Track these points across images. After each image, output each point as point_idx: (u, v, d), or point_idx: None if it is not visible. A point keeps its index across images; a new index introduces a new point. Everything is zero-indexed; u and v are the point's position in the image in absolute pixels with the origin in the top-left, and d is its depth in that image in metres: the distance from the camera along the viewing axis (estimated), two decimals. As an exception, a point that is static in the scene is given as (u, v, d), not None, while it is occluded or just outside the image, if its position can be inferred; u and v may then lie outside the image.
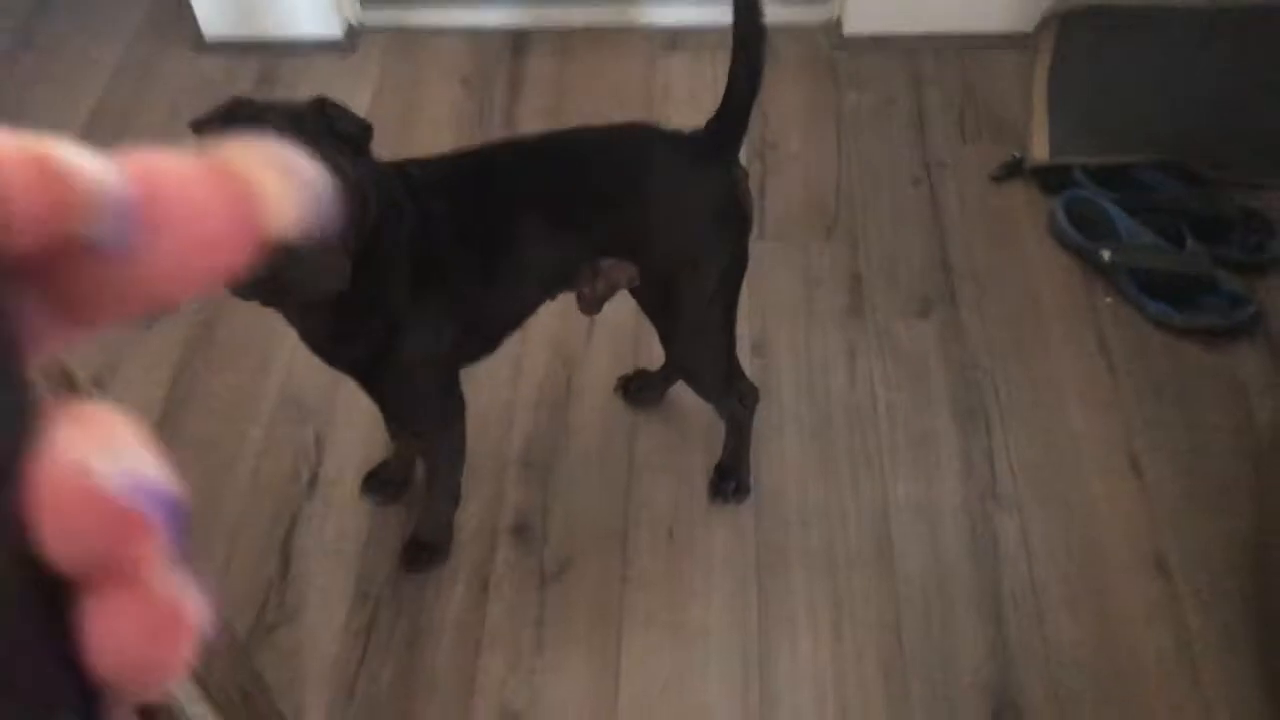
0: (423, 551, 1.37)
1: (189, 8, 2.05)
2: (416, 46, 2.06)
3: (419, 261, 1.13)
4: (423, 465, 1.41)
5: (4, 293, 0.19)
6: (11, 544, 0.18)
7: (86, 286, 0.20)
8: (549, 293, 1.25)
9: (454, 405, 1.27)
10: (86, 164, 0.19)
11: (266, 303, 1.10)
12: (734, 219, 1.18)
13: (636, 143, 1.20)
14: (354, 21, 2.09)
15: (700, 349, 1.27)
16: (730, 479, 1.41)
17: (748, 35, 1.10)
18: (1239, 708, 1.22)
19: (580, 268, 1.21)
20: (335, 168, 1.01)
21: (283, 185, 0.21)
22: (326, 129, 1.02)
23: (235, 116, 1.01)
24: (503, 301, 1.22)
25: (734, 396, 1.35)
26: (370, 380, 1.22)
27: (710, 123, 1.16)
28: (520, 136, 1.27)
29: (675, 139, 1.18)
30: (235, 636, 1.07)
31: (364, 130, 1.06)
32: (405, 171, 1.15)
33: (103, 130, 1.95)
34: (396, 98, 1.98)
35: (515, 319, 1.27)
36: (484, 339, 1.26)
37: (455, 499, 1.37)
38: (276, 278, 0.99)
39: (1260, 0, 1.54)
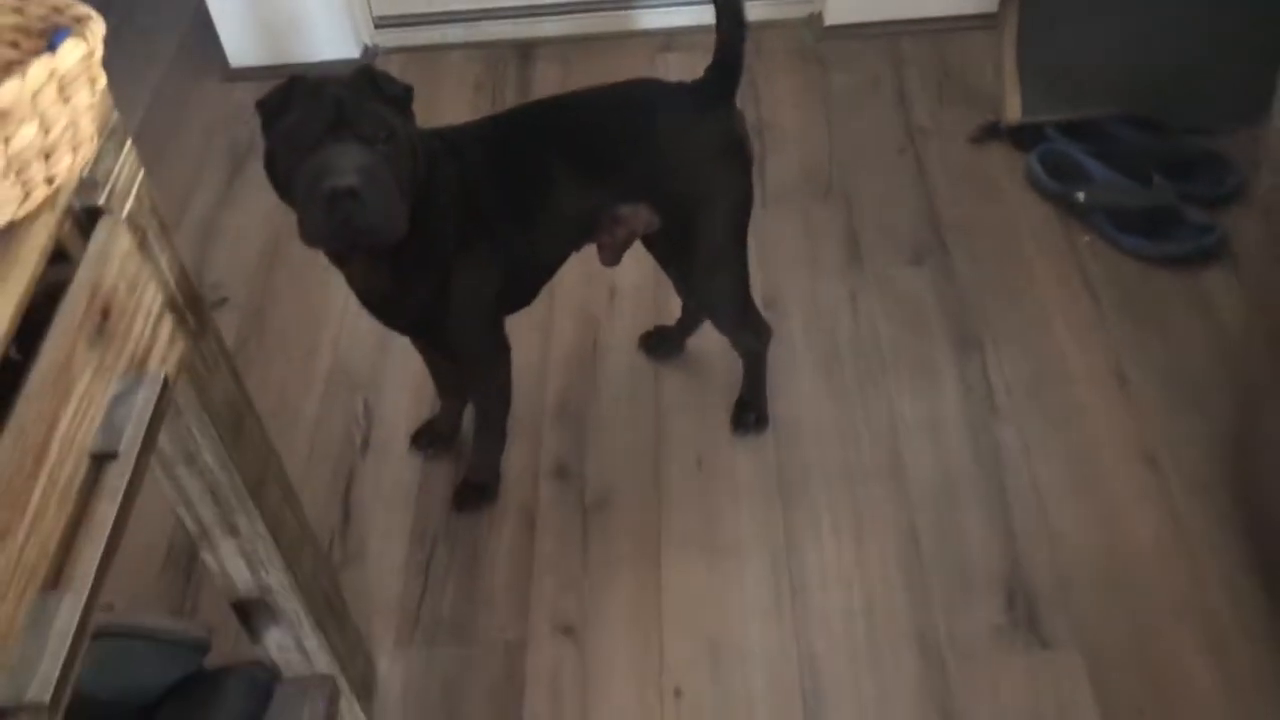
0: (473, 492, 1.49)
1: (217, 39, 2.21)
2: (430, 62, 2.22)
3: (464, 213, 1.27)
4: (470, 416, 1.53)
5: None
6: None
7: None
8: (577, 242, 1.38)
9: (501, 346, 1.40)
10: None
11: (336, 251, 1.23)
12: (738, 155, 1.32)
13: (645, 94, 1.35)
14: (370, 43, 2.25)
15: (718, 281, 1.40)
16: (750, 411, 1.53)
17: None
18: (1227, 578, 1.33)
19: (603, 215, 1.34)
20: (387, 124, 1.15)
21: None
22: (375, 91, 1.16)
23: (294, 91, 1.15)
24: (537, 248, 1.36)
25: (751, 330, 1.48)
26: (427, 327, 1.35)
27: (707, 71, 1.31)
28: (539, 100, 1.41)
29: (679, 88, 1.33)
30: (318, 548, 1.18)
31: (406, 91, 1.20)
32: (443, 135, 1.29)
33: (142, 155, 2.09)
34: (416, 108, 2.13)
35: (548, 266, 1.40)
36: (522, 287, 1.39)
37: (502, 440, 1.49)
38: (346, 224, 1.13)
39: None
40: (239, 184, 2.02)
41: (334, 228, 1.13)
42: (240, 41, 2.21)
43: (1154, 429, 1.49)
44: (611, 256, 1.40)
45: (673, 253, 1.40)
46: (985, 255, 1.73)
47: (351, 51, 2.21)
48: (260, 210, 1.95)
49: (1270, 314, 1.19)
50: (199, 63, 2.27)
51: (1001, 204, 1.81)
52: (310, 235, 1.15)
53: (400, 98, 1.19)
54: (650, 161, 1.31)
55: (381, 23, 2.24)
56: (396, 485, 1.54)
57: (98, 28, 0.66)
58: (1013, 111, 1.87)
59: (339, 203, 1.10)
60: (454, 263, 1.28)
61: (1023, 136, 1.86)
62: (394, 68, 2.21)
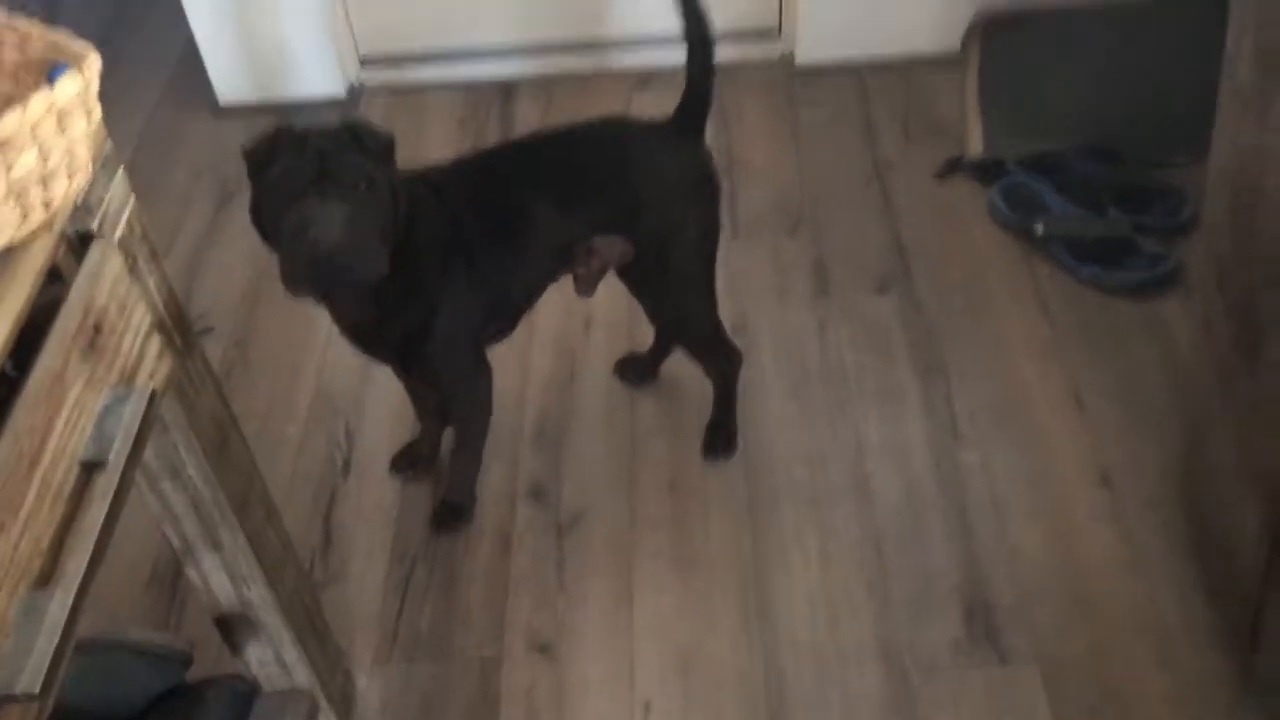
0: (450, 512, 1.53)
1: (205, 77, 2.27)
2: (414, 100, 2.28)
3: (446, 248, 1.32)
4: (448, 440, 1.58)
5: None
6: None
7: None
8: (555, 273, 1.44)
9: (483, 371, 1.45)
10: None
11: (318, 291, 1.28)
12: (707, 187, 1.39)
13: (618, 131, 1.41)
14: (355, 81, 2.31)
15: (691, 306, 1.46)
16: (720, 434, 1.58)
17: (694, 34, 1.34)
18: (1178, 594, 1.38)
19: (579, 247, 1.40)
20: (367, 175, 1.20)
21: None
22: (358, 144, 1.22)
23: (279, 142, 1.21)
24: (517, 279, 1.41)
25: (722, 355, 1.53)
26: (410, 357, 1.40)
27: (677, 109, 1.38)
28: (516, 138, 1.47)
29: (649, 125, 1.40)
30: (299, 566, 1.22)
31: (388, 143, 1.25)
32: (426, 176, 1.36)
33: (132, 190, 2.15)
34: (399, 145, 2.19)
35: (528, 296, 1.46)
36: (503, 316, 1.45)
37: (478, 462, 1.53)
38: (326, 272, 1.18)
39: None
40: (225, 218, 2.07)
41: (315, 275, 1.20)
42: (229, 79, 2.27)
43: (1109, 451, 1.54)
44: (586, 287, 1.46)
45: (645, 282, 1.46)
46: (949, 285, 1.79)
47: (337, 90, 2.28)
48: (246, 244, 1.99)
49: (1213, 344, 1.24)
50: (188, 99, 2.33)
51: (965, 235, 1.87)
52: (291, 281, 1.20)
53: (382, 150, 1.24)
54: (625, 195, 1.37)
55: (367, 62, 2.31)
56: (377, 506, 1.58)
57: (94, 63, 0.72)
58: (975, 146, 1.94)
59: (319, 252, 1.17)
60: (437, 296, 1.33)
61: (985, 170, 1.93)
62: (379, 105, 2.28)
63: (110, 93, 2.60)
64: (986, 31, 1.88)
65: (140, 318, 0.84)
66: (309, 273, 1.19)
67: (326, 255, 1.17)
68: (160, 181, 2.17)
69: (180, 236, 2.05)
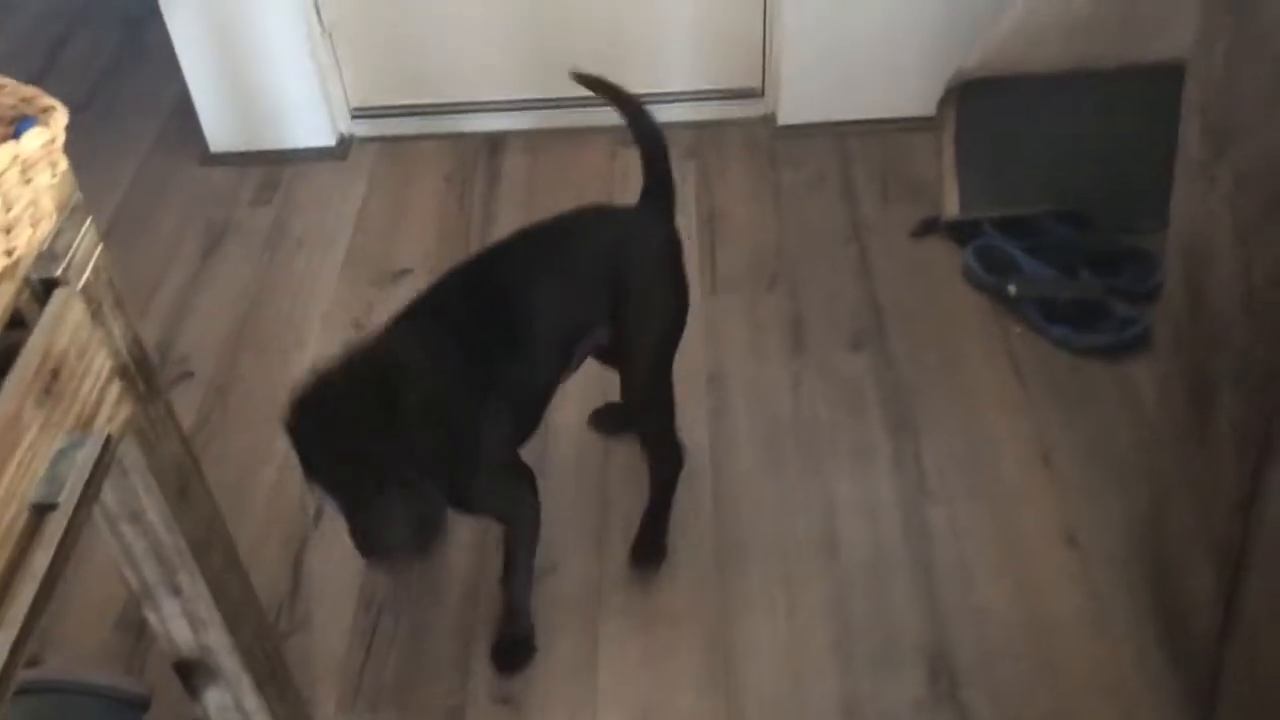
0: (516, 649, 1.43)
1: (197, 124, 2.31)
2: (403, 151, 2.32)
3: (464, 393, 1.26)
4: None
5: None
6: None
7: None
8: (562, 369, 1.42)
9: (525, 477, 1.41)
10: None
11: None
12: (681, 268, 1.44)
13: (599, 220, 1.44)
14: (346, 132, 2.35)
15: (659, 384, 1.47)
16: (654, 546, 1.53)
17: (640, 133, 1.42)
18: (1141, 655, 1.38)
19: (582, 340, 1.40)
20: (410, 472, 1.18)
21: None
22: (391, 412, 1.17)
23: (311, 428, 1.23)
24: (534, 381, 1.39)
25: (672, 445, 1.53)
26: (460, 500, 1.30)
27: (643, 195, 1.42)
28: (497, 243, 1.43)
29: (626, 213, 1.44)
30: (261, 612, 1.23)
31: (426, 389, 1.19)
32: (416, 324, 1.31)
33: (121, 235, 2.18)
34: (386, 196, 2.23)
35: (547, 394, 1.42)
36: (529, 419, 1.42)
37: (532, 577, 1.46)
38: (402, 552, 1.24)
39: (1126, 65, 1.80)
40: (211, 263, 2.10)
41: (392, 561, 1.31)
42: (220, 127, 2.31)
43: (1076, 510, 1.55)
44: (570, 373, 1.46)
45: (622, 359, 1.46)
46: (922, 343, 1.81)
47: (328, 140, 2.31)
48: (231, 290, 2.02)
49: (1170, 408, 1.26)
50: (180, 146, 2.37)
51: (939, 294, 1.90)
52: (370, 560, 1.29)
53: (420, 404, 1.18)
54: (613, 283, 1.38)
55: (358, 113, 2.35)
56: (346, 554, 1.57)
57: (60, 118, 0.74)
58: (951, 208, 1.97)
59: (389, 554, 1.26)
60: (471, 441, 1.27)
61: (961, 231, 1.96)
62: (368, 156, 2.32)
63: (106, 139, 2.66)
64: (962, 94, 1.92)
65: (101, 363, 0.86)
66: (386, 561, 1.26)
67: (396, 550, 1.23)
68: (149, 226, 2.20)
69: (166, 280, 2.07)
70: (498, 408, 1.32)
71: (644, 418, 1.55)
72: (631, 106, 1.44)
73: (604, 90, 1.46)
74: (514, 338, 1.34)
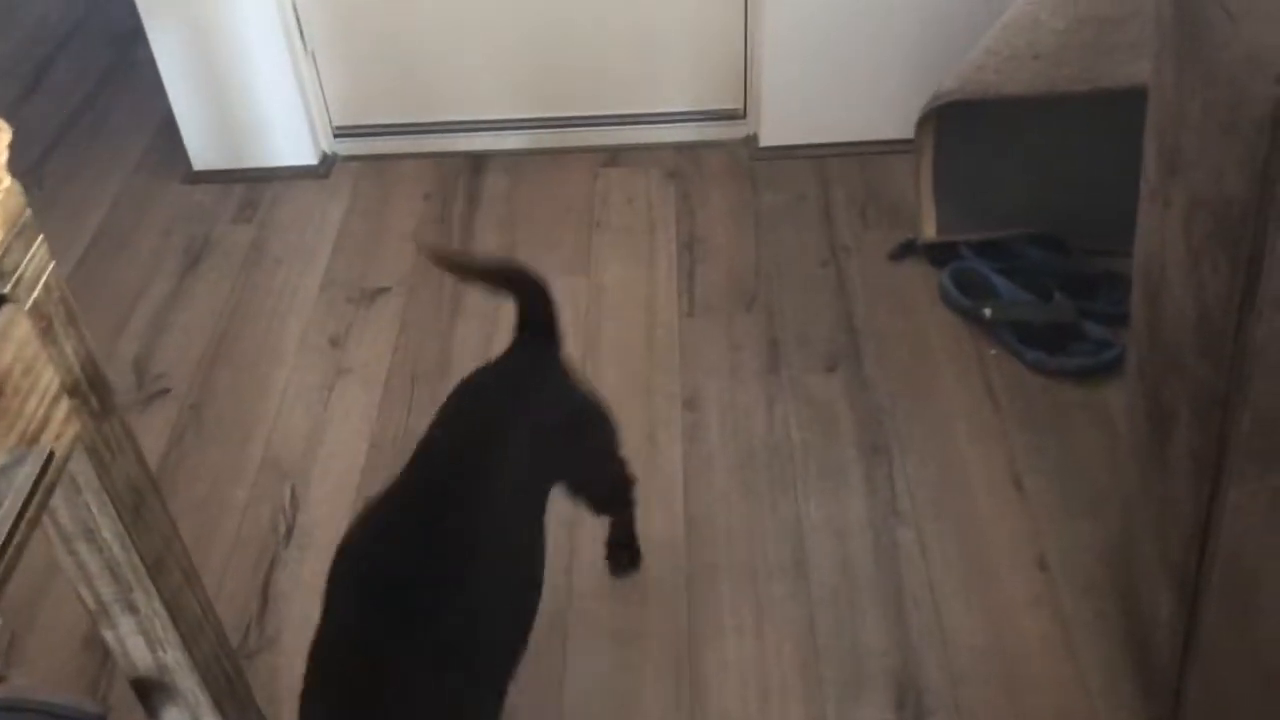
0: None
1: (181, 143, 2.32)
2: (385, 170, 2.33)
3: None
4: None
5: None
6: None
7: None
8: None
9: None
10: None
11: None
12: (585, 389, 1.38)
13: (499, 388, 1.31)
14: (328, 150, 2.36)
15: (618, 484, 1.47)
16: (628, 553, 1.53)
17: (517, 285, 1.32)
18: (1109, 680, 1.38)
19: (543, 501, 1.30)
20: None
21: None
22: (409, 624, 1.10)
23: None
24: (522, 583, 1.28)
25: (633, 488, 1.50)
26: None
27: (523, 337, 1.33)
28: (404, 474, 1.24)
29: (518, 361, 1.32)
30: (219, 630, 1.22)
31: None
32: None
33: (102, 251, 2.19)
34: (367, 215, 2.24)
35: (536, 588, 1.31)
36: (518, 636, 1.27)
37: None
38: None
39: (1099, 90, 1.81)
40: (191, 281, 2.10)
41: None
42: (204, 145, 2.32)
43: (1047, 534, 1.55)
44: None
45: (583, 495, 1.42)
46: (897, 365, 1.81)
47: (310, 158, 2.32)
48: (209, 307, 2.03)
49: (1135, 433, 1.26)
50: (165, 164, 2.38)
51: (915, 317, 1.90)
52: None
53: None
54: (554, 432, 1.30)
55: (340, 132, 2.36)
56: (316, 574, 1.57)
57: (4, 136, 0.74)
58: (929, 230, 1.98)
59: None
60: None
61: (938, 254, 1.96)
62: (349, 174, 2.33)
63: (92, 156, 2.66)
64: (940, 119, 1.93)
65: (49, 380, 0.86)
66: None
67: None
68: (131, 243, 2.21)
69: (145, 297, 2.07)
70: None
71: (612, 502, 1.50)
72: (498, 274, 1.36)
73: (458, 268, 1.46)
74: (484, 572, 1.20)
